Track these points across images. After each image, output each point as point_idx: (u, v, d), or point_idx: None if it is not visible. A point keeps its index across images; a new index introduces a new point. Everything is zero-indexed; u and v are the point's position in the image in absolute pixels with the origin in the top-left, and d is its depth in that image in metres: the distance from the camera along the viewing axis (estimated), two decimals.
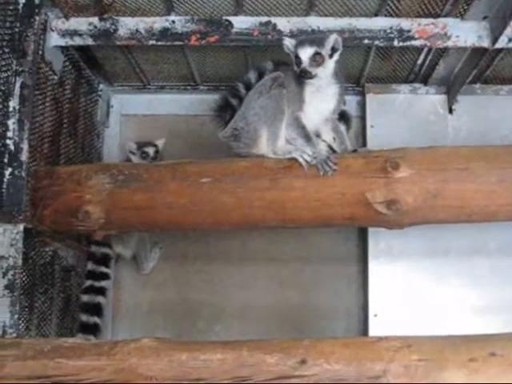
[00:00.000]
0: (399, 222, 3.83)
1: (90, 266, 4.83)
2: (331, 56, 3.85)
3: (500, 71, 4.88)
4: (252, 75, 4.18)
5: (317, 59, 3.79)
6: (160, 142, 5.08)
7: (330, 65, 3.88)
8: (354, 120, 4.82)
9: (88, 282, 4.78)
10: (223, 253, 5.22)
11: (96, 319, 4.68)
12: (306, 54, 3.79)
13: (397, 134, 4.99)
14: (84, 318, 4.67)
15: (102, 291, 4.79)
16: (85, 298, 4.73)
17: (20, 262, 3.78)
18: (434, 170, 3.72)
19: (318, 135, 4.08)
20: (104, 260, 4.88)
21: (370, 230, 4.93)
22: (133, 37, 4.24)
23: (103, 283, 4.82)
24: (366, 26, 4.18)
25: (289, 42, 3.92)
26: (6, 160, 3.84)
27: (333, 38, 3.85)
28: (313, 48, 3.79)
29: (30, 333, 4.09)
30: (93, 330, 4.63)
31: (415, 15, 4.17)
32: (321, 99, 3.98)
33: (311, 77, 3.82)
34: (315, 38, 3.95)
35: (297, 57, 3.83)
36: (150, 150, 4.99)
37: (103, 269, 4.85)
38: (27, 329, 4.05)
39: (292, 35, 4.11)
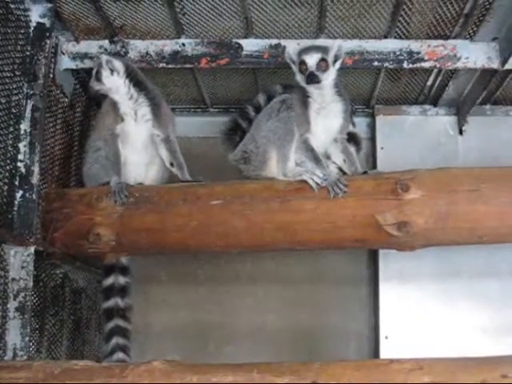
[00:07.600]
0: (410, 244, 3.82)
1: None
2: (333, 63, 3.89)
3: (510, 92, 4.88)
4: (261, 98, 4.23)
5: (322, 65, 3.83)
6: None
7: (333, 73, 3.91)
8: (364, 142, 4.78)
9: None
10: (234, 275, 5.21)
11: None
12: (312, 59, 3.82)
13: (407, 155, 5.00)
14: None
15: None
16: None
17: (31, 284, 3.79)
18: (445, 192, 3.71)
19: (328, 157, 4.09)
20: None
21: (381, 251, 4.93)
22: (143, 59, 4.28)
23: None
24: (376, 48, 4.21)
25: (291, 50, 3.96)
26: (17, 183, 3.85)
27: (336, 46, 3.90)
28: (319, 54, 3.83)
29: (41, 355, 4.08)
30: None
31: (425, 37, 4.20)
32: (326, 116, 3.99)
33: (318, 81, 3.83)
34: (319, 45, 3.99)
35: (302, 63, 3.86)
36: None
37: None
38: (38, 351, 4.05)
39: None
